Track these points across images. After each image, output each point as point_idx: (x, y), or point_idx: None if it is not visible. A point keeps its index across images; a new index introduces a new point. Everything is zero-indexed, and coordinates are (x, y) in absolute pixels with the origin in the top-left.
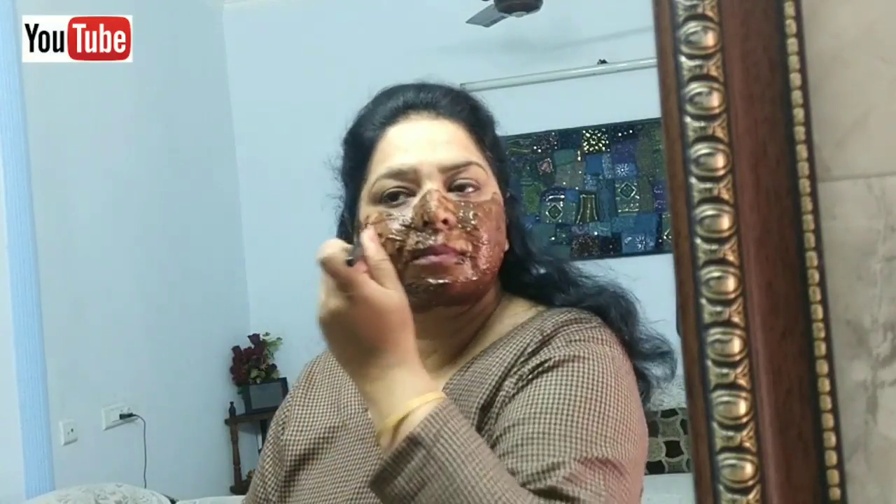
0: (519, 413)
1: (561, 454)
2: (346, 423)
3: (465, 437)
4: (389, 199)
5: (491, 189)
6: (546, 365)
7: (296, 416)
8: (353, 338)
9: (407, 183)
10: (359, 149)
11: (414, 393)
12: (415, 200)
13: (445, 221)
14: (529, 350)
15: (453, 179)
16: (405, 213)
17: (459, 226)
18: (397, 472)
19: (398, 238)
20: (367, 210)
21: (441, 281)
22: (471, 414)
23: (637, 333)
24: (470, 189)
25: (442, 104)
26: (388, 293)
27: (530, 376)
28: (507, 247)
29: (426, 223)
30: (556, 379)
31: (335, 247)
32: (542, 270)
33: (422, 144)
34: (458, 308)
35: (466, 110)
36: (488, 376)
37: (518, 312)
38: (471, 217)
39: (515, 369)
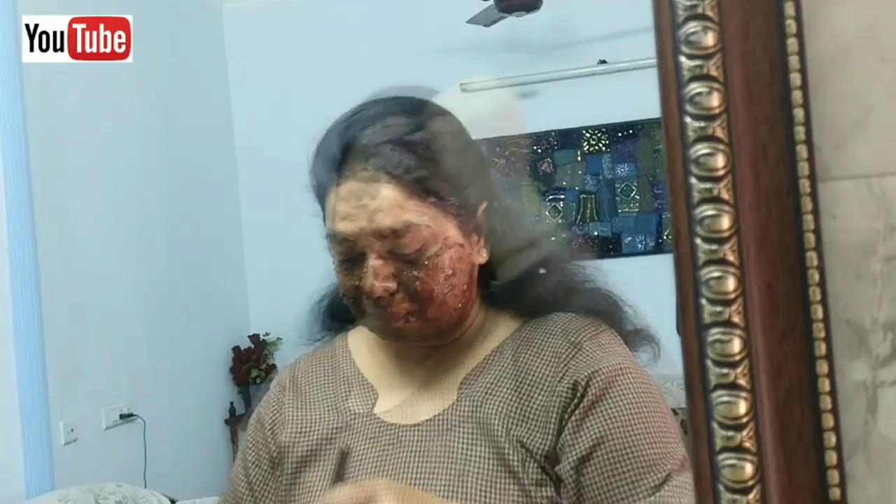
0: (604, 427)
1: (662, 465)
2: (350, 424)
3: None
4: (340, 257)
5: (441, 236)
6: (602, 377)
7: (292, 419)
8: None
9: (350, 249)
10: (316, 192)
11: None
12: (362, 262)
13: (384, 293)
14: (565, 356)
15: (394, 242)
16: (356, 273)
17: (401, 291)
18: None
19: (351, 296)
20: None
21: (394, 333)
22: (515, 401)
23: (623, 325)
24: (415, 248)
25: (375, 157)
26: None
27: (596, 391)
28: (483, 260)
29: (367, 295)
30: (622, 391)
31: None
32: (543, 271)
33: (358, 212)
34: (433, 340)
35: (403, 158)
36: (513, 376)
37: (508, 324)
38: (412, 279)
39: (560, 374)
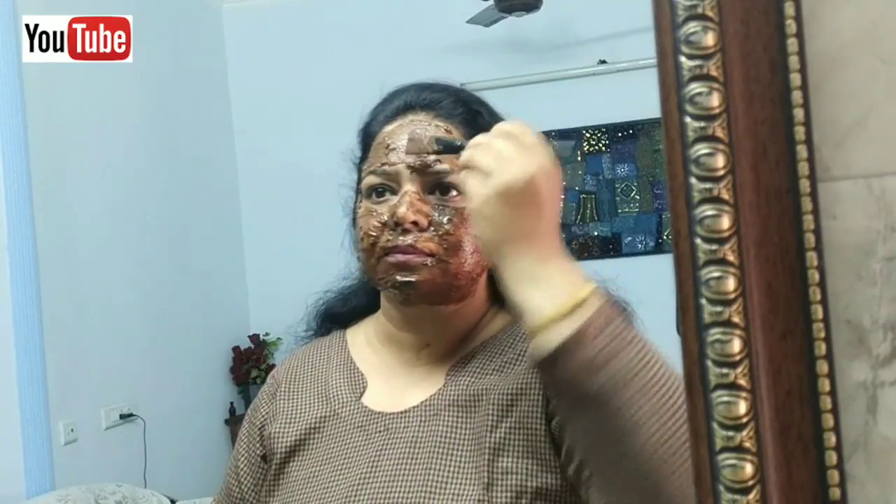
0: None
1: None
2: (338, 412)
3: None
4: (376, 195)
5: None
6: None
7: (282, 410)
8: (546, 206)
9: (389, 182)
10: (363, 143)
11: (584, 276)
12: (394, 199)
13: (415, 223)
14: None
15: (434, 182)
16: (384, 210)
17: (431, 229)
18: (596, 333)
19: (374, 234)
20: (361, 202)
21: (407, 279)
22: (491, 401)
23: None
24: (453, 192)
25: (440, 105)
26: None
27: None
28: None
29: (397, 223)
30: None
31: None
32: None
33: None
34: (441, 308)
35: (464, 113)
36: (499, 361)
37: (506, 319)
38: (444, 221)
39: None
